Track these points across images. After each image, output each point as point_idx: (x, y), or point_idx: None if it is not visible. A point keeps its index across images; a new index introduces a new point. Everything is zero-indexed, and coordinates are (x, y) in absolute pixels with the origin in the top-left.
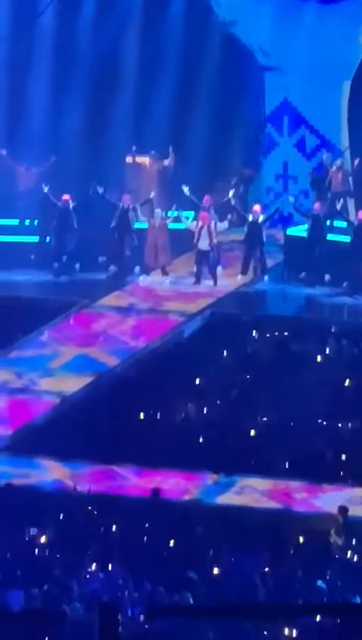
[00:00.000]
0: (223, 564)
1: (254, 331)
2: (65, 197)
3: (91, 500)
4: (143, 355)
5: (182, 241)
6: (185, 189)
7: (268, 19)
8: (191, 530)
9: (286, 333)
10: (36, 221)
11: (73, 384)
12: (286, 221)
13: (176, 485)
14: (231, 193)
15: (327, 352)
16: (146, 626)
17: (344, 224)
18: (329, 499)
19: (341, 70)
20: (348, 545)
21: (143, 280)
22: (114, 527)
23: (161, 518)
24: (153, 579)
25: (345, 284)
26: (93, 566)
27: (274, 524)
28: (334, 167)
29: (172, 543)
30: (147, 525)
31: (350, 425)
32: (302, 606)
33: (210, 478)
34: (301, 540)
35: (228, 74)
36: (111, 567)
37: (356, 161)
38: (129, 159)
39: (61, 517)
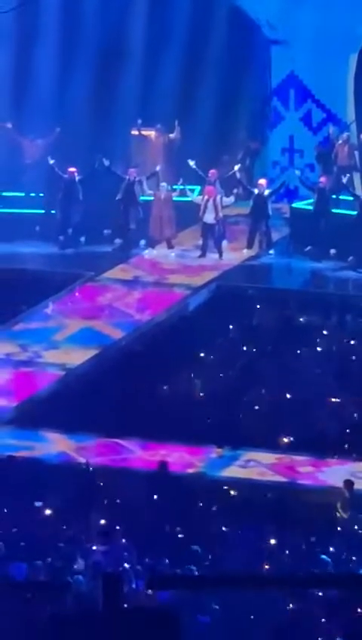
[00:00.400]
0: (228, 537)
1: (259, 305)
2: (71, 169)
3: (96, 473)
4: (148, 329)
5: (187, 215)
6: (191, 163)
7: None
8: (196, 503)
9: (291, 307)
10: (42, 194)
11: (78, 357)
12: (292, 195)
13: (180, 458)
14: (236, 167)
15: (332, 325)
16: (149, 597)
17: (350, 198)
18: (334, 473)
19: (347, 43)
20: (354, 518)
21: (149, 253)
22: (118, 500)
23: (166, 491)
24: (157, 551)
25: (350, 258)
26: (97, 539)
27: (278, 497)
28: (340, 141)
29: (176, 516)
30: (152, 498)
31: (355, 399)
32: (306, 577)
33: (214, 452)
34: (306, 513)
35: (234, 47)
36: (116, 539)
37: None
38: (135, 132)
39: (66, 490)
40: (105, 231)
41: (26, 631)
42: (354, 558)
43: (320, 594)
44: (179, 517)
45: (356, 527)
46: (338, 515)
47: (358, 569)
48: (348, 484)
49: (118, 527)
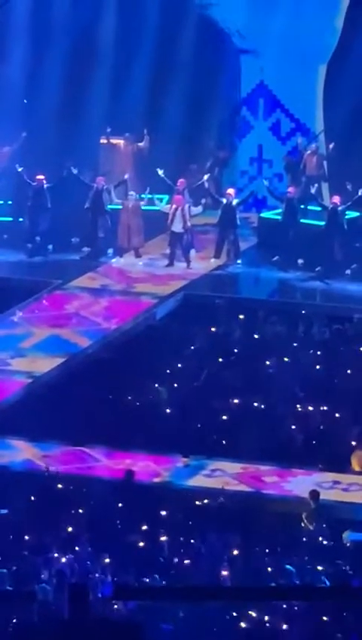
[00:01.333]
0: (193, 546)
1: (227, 314)
2: (40, 177)
3: (61, 481)
4: (115, 337)
5: (155, 224)
6: (160, 172)
7: (244, 1)
8: (161, 512)
9: (258, 317)
10: (10, 201)
11: (45, 365)
12: (260, 204)
13: (146, 467)
14: (206, 177)
15: (299, 335)
16: (115, 607)
17: (318, 208)
18: (300, 483)
19: (317, 54)
20: (319, 528)
21: (116, 262)
22: (84, 509)
23: (131, 499)
24: (122, 561)
25: (318, 268)
26: (62, 547)
27: (244, 507)
28: (309, 151)
29: (142, 525)
30: (117, 507)
31: (321, 409)
32: (270, 588)
33: (180, 461)
34: (271, 523)
35: (204, 56)
36: (80, 548)
37: (330, 146)
38: (103, 140)
39: (31, 498)
40: (73, 239)
41: None
42: (319, 568)
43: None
44: (144, 526)
45: (321, 538)
46: (303, 525)
47: (322, 579)
48: (314, 494)
49: (83, 536)
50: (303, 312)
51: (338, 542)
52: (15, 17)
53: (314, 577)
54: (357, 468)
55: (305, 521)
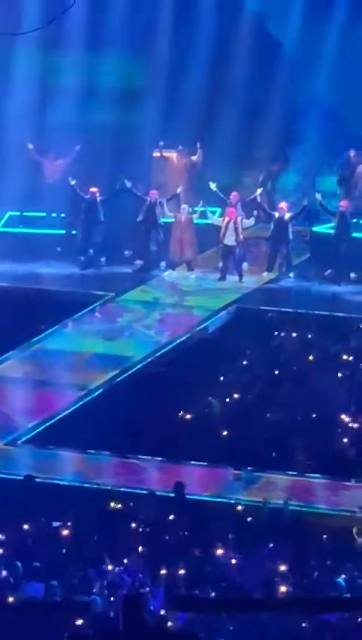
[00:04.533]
0: (244, 559)
1: (279, 328)
2: (93, 190)
3: (113, 493)
4: (168, 350)
5: (208, 237)
6: (213, 185)
7: (298, 11)
8: (213, 525)
9: (311, 330)
10: (63, 214)
11: (98, 377)
12: (312, 218)
13: (198, 480)
14: (259, 191)
15: (353, 349)
16: (167, 619)
17: None
18: (352, 496)
19: None
20: None
21: (169, 275)
22: (134, 522)
23: (182, 512)
24: (174, 573)
25: None
26: (115, 560)
27: (296, 520)
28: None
29: (193, 538)
30: (168, 520)
31: None
32: (320, 600)
33: (232, 474)
34: (323, 537)
35: (257, 68)
36: (132, 561)
37: None
38: (156, 154)
39: (82, 510)
40: (126, 252)
41: None
42: None
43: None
44: (195, 539)
45: None
46: (355, 539)
47: None
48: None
49: (134, 549)
50: (357, 325)
51: None
52: (71, 28)
53: None
54: None
55: (356, 535)
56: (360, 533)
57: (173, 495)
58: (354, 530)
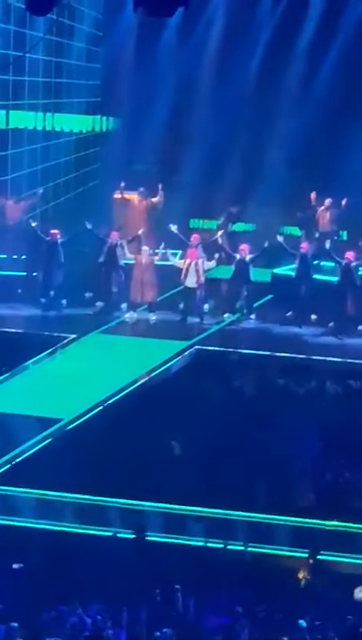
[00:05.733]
0: (203, 601)
1: (240, 369)
2: (54, 231)
3: (73, 535)
4: (129, 391)
5: (169, 279)
6: (173, 228)
7: None
8: (173, 567)
9: (272, 372)
10: (24, 256)
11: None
12: (274, 260)
13: (159, 522)
14: (219, 233)
15: (312, 390)
16: None
17: (331, 264)
18: (311, 538)
19: None
20: (323, 584)
21: (130, 317)
22: (95, 563)
23: (144, 554)
24: (135, 615)
25: (331, 324)
26: (75, 601)
27: (255, 562)
28: (322, 207)
29: (153, 580)
30: (128, 561)
31: (333, 463)
32: None
33: (194, 516)
34: (281, 578)
35: (222, 113)
36: (92, 602)
37: (344, 201)
38: (117, 195)
39: (43, 552)
40: (87, 294)
41: None
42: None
43: None
44: (157, 581)
45: (327, 594)
46: (302, 581)
47: (331, 636)
48: (313, 549)
49: (94, 590)
50: (316, 367)
51: (347, 597)
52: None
53: (325, 633)
54: None
55: (303, 576)
56: (308, 575)
57: (133, 536)
58: (301, 571)
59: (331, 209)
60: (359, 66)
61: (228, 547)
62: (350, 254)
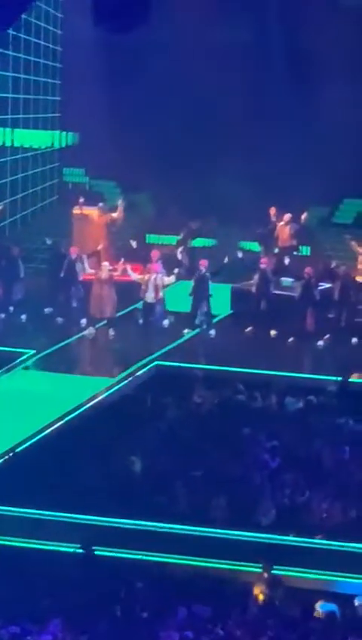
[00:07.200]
0: (164, 619)
1: (199, 384)
2: (13, 247)
3: (25, 551)
4: (88, 407)
5: (128, 294)
6: (133, 243)
7: None
8: (131, 584)
9: (231, 387)
10: None
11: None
12: (233, 275)
13: (115, 537)
14: (179, 249)
15: (272, 406)
16: None
17: (291, 279)
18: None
19: None
20: (280, 599)
21: (89, 332)
22: (48, 581)
23: (98, 571)
24: (92, 633)
25: (291, 339)
26: (29, 621)
27: (215, 578)
28: (282, 222)
29: (108, 597)
30: (82, 577)
31: (293, 479)
32: None
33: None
34: (241, 594)
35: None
36: (51, 621)
37: (303, 216)
38: (77, 211)
39: None
40: (46, 309)
41: None
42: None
43: None
44: (114, 598)
45: (286, 610)
46: (257, 595)
47: None
48: (266, 563)
49: (48, 610)
50: (276, 382)
51: (306, 613)
52: None
53: None
54: None
55: (259, 591)
56: (263, 589)
57: (86, 552)
58: (257, 587)
59: (291, 224)
60: (313, 78)
61: (190, 563)
62: (309, 269)
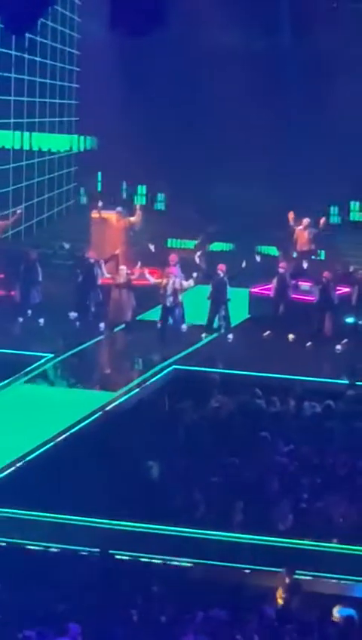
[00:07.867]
0: (180, 621)
1: (217, 388)
2: (32, 251)
3: (42, 555)
4: (105, 411)
5: (146, 298)
6: (151, 247)
7: None
8: (149, 588)
9: (249, 392)
10: (1, 274)
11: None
12: (251, 279)
13: (130, 540)
14: (198, 253)
15: (290, 411)
16: None
17: (308, 284)
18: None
19: None
20: (298, 604)
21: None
22: (65, 583)
23: (116, 575)
24: (108, 635)
25: (308, 343)
26: (42, 624)
27: (230, 580)
28: (301, 226)
29: (126, 600)
30: (101, 583)
31: (311, 483)
32: None
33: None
34: (259, 597)
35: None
36: (66, 626)
37: (322, 220)
38: (95, 214)
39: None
40: (71, 313)
41: None
42: None
43: None
44: (130, 601)
45: (303, 614)
46: (278, 600)
47: None
48: (289, 568)
49: (63, 613)
50: (294, 386)
51: (325, 617)
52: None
53: None
54: None
55: (280, 595)
56: (285, 594)
57: (105, 556)
58: (279, 591)
59: (309, 228)
60: (330, 82)
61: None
62: (327, 274)
